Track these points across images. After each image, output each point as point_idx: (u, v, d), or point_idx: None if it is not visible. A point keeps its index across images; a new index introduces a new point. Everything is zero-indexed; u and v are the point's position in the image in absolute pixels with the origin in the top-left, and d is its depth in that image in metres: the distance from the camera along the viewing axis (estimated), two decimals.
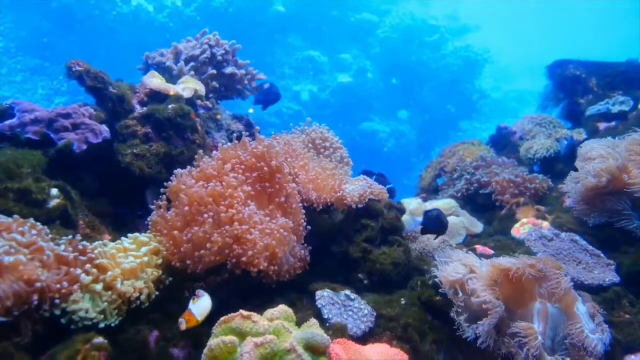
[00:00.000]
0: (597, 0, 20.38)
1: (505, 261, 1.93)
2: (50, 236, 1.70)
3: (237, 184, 2.06)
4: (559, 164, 3.58)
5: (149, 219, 2.09)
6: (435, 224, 2.38)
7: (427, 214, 2.41)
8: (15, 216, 1.65)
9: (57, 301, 1.53)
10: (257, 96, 3.29)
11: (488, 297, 1.78)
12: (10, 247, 1.49)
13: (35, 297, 1.47)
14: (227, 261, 1.92)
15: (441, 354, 1.94)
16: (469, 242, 3.04)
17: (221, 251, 1.89)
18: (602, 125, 3.78)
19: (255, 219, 1.97)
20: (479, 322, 1.77)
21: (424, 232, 2.52)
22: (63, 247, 1.67)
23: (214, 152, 2.34)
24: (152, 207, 2.11)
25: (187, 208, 1.95)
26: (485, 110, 15.41)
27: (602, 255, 2.45)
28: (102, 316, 1.62)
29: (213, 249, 1.87)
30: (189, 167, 2.20)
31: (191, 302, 1.68)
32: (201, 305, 1.68)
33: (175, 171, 2.14)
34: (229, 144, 2.32)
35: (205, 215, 1.92)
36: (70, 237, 1.76)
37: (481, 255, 2.56)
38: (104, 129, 2.38)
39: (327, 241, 2.48)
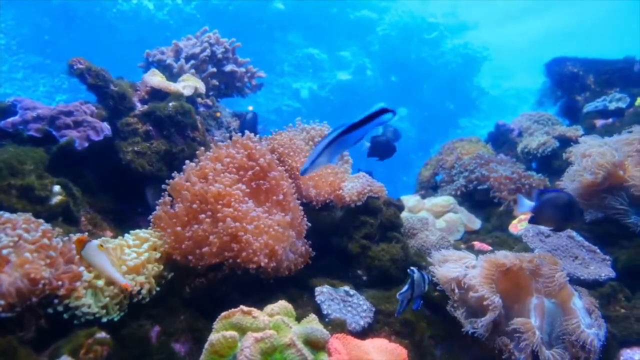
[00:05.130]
0: None
1: (501, 256, 1.95)
2: (55, 231, 1.72)
3: (231, 182, 2.08)
4: (556, 161, 3.61)
5: (151, 215, 2.11)
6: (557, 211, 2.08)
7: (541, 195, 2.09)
8: (26, 214, 1.68)
9: (56, 300, 1.55)
10: (376, 145, 2.88)
11: (486, 293, 1.80)
12: (15, 243, 1.52)
13: (38, 294, 1.50)
14: (225, 261, 1.94)
15: (438, 348, 1.97)
16: (467, 238, 3.07)
17: (220, 251, 1.92)
18: (599, 122, 3.80)
19: (252, 215, 1.99)
20: (478, 319, 1.80)
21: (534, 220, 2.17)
22: (68, 244, 1.69)
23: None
24: (156, 203, 2.13)
25: (194, 205, 1.97)
26: (483, 107, 15.44)
27: (598, 250, 2.48)
28: (104, 311, 1.64)
29: (212, 250, 1.90)
30: (195, 161, 2.22)
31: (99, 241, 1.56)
32: (101, 257, 1.55)
33: (187, 162, 2.16)
34: (224, 142, 2.34)
35: (203, 215, 1.94)
36: (78, 234, 1.78)
37: (479, 251, 2.59)
38: (105, 127, 2.39)
39: (326, 237, 2.50)
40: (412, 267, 1.86)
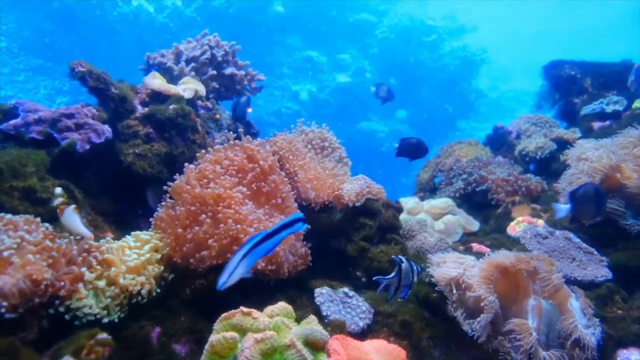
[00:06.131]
0: (595, 0, 20.47)
1: (501, 256, 1.96)
2: (55, 233, 1.73)
3: (231, 184, 2.10)
4: (554, 163, 3.63)
5: (152, 217, 2.12)
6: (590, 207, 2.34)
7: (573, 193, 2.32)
8: (26, 215, 1.69)
9: (57, 301, 1.57)
10: (405, 147, 2.90)
11: (483, 293, 1.81)
12: (18, 245, 1.53)
13: (40, 295, 1.51)
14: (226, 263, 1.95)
15: (437, 349, 1.98)
16: (466, 240, 3.08)
17: (221, 253, 1.93)
18: (597, 125, 3.83)
19: (251, 217, 2.00)
20: (475, 319, 1.81)
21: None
22: (69, 245, 1.70)
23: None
24: (157, 205, 2.14)
25: (193, 207, 1.99)
26: (482, 110, 15.46)
27: (595, 252, 2.50)
28: (105, 312, 1.66)
29: (212, 254, 1.91)
30: (194, 164, 2.24)
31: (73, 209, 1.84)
32: (74, 217, 1.82)
33: (186, 165, 2.18)
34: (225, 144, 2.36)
35: (203, 216, 1.96)
36: (79, 237, 1.80)
37: (477, 253, 2.61)
38: (106, 129, 2.41)
39: (325, 239, 2.52)
40: (399, 256, 1.88)
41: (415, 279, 1.89)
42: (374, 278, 1.88)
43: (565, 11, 22.13)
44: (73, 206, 1.86)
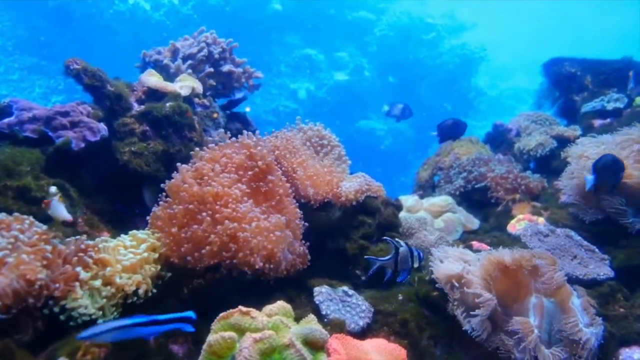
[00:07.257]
0: None
1: (501, 253, 1.94)
2: (51, 233, 1.71)
3: (230, 183, 2.08)
4: (554, 161, 3.61)
5: (150, 215, 2.10)
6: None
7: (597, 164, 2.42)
8: (16, 214, 1.66)
9: (51, 302, 1.54)
10: (443, 131, 2.97)
11: (479, 290, 1.79)
12: (13, 245, 1.50)
13: (35, 295, 1.48)
14: (223, 262, 1.93)
15: (437, 348, 1.96)
16: (466, 238, 3.06)
17: (219, 252, 1.91)
18: (597, 122, 3.81)
19: (250, 215, 1.98)
20: (472, 314, 1.79)
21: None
22: (65, 245, 1.68)
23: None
24: (154, 204, 2.12)
25: (191, 206, 1.96)
26: (481, 108, 15.45)
27: (596, 250, 2.48)
28: (101, 312, 1.63)
29: (213, 249, 1.89)
30: (190, 163, 2.21)
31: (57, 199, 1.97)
32: (59, 206, 1.97)
33: (179, 165, 2.15)
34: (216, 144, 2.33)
35: (204, 214, 1.94)
36: (77, 237, 1.77)
37: (478, 251, 2.59)
38: (102, 127, 2.38)
39: (324, 237, 2.50)
40: (398, 239, 1.86)
41: (416, 264, 1.86)
42: (365, 257, 1.85)
43: (565, 8, 22.13)
44: (58, 196, 1.97)
